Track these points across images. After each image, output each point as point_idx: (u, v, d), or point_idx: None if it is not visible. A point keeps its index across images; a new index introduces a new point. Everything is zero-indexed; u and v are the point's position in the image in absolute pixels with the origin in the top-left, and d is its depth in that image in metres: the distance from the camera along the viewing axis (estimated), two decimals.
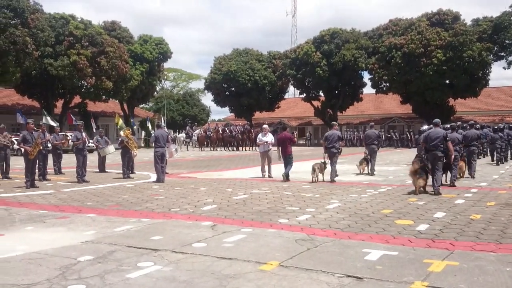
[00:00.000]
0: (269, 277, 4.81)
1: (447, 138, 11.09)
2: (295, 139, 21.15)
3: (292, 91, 70.90)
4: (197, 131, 42.31)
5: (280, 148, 14.19)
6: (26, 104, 43.83)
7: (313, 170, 13.48)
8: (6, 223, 7.82)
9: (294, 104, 65.09)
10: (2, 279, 4.75)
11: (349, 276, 4.85)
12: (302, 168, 15.36)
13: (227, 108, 58.59)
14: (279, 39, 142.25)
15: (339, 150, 14.05)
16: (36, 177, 13.58)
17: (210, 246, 6.10)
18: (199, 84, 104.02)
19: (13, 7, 32.36)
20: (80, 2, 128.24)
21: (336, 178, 13.70)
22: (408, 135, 44.21)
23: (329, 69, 46.28)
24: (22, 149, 13.29)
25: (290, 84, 54.66)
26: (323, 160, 13.81)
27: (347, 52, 45.25)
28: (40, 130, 14.79)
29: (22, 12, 32.98)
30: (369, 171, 15.72)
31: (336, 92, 49.89)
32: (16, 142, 17.02)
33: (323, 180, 13.59)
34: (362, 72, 48.83)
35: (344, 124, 52.67)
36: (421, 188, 10.91)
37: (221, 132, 38.67)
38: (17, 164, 17.03)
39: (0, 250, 5.97)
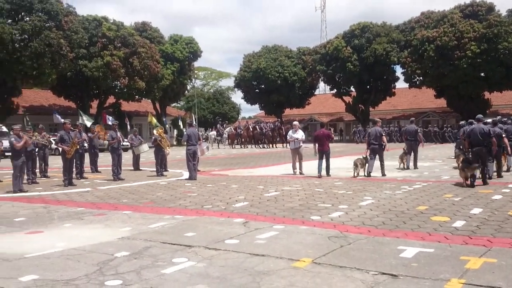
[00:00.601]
0: (302, 274, 4.81)
1: (491, 134, 11.10)
2: (333, 135, 21.09)
3: (322, 87, 70.42)
4: (227, 129, 42.53)
5: (317, 144, 14.20)
6: (62, 104, 45.08)
7: (355, 165, 13.80)
8: (45, 221, 8.07)
9: (324, 100, 64.59)
10: (42, 275, 4.91)
11: (384, 273, 4.79)
12: (334, 165, 15.21)
13: (257, 106, 58.69)
14: (309, 35, 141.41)
15: (383, 147, 14.24)
16: (74, 176, 13.95)
17: (242, 242, 6.14)
18: (229, 82, 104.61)
19: (47, 10, 33.29)
20: (112, 4, 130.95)
21: (371, 174, 13.72)
22: (443, 129, 43.19)
23: (360, 63, 45.69)
24: (60, 149, 13.68)
25: (320, 80, 54.23)
26: (364, 155, 14.11)
27: (379, 46, 44.56)
28: (77, 130, 15.20)
29: (56, 15, 33.89)
30: (406, 166, 15.83)
31: (368, 87, 49.22)
32: (54, 142, 17.52)
33: (365, 175, 13.74)
34: (394, 66, 47.99)
35: (370, 120, 51.92)
36: (468, 181, 10.87)
37: (251, 129, 38.74)
38: (55, 163, 17.55)
39: (40, 246, 6.18)
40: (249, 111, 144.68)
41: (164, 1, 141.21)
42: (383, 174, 13.86)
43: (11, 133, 12.59)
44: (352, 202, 9.15)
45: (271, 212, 8.29)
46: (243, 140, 38.87)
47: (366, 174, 13.71)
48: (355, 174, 13.73)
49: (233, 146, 38.62)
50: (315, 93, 59.59)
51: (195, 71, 59.72)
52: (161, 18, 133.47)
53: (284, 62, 52.29)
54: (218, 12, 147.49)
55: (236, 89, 59.81)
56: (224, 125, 47.01)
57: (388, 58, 44.61)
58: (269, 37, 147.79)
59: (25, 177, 13.15)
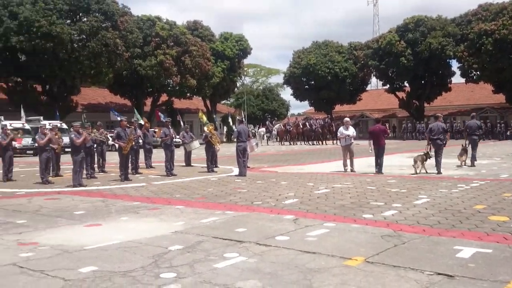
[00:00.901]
0: (354, 273, 4.75)
1: None
2: (389, 131, 20.73)
3: (374, 83, 69.01)
4: (277, 126, 42.57)
5: (372, 141, 14.00)
6: (118, 102, 46.72)
7: (415, 162, 13.55)
8: (104, 214, 8.41)
9: (377, 96, 63.23)
10: (101, 266, 5.12)
11: (439, 273, 4.65)
12: (387, 162, 14.89)
13: (306, 102, 58.38)
14: (360, 30, 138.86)
15: (444, 142, 13.93)
16: (129, 171, 14.43)
17: (293, 239, 6.14)
18: (278, 79, 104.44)
19: (104, 11, 34.54)
20: (165, 3, 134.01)
21: (424, 171, 13.36)
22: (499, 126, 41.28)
23: (414, 58, 44.39)
24: (117, 145, 14.18)
25: (372, 75, 53.18)
26: (426, 151, 13.81)
27: (434, 40, 43.09)
28: (132, 127, 15.70)
29: (112, 16, 35.10)
30: (463, 163, 15.38)
31: (422, 82, 47.77)
32: (111, 138, 18.19)
33: (426, 172, 13.50)
34: (450, 61, 46.32)
35: (432, 116, 50.22)
36: None
37: (301, 126, 38.57)
38: (112, 159, 18.23)
39: (98, 239, 6.45)
40: (299, 107, 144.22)
41: (215, 0, 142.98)
42: (439, 172, 13.44)
43: (71, 130, 13.19)
44: (406, 201, 8.92)
45: (322, 210, 8.22)
46: (292, 137, 38.76)
47: (437, 172, 13.39)
48: (416, 171, 13.43)
49: (282, 143, 38.59)
50: (367, 88, 58.47)
51: (245, 68, 60.14)
52: (212, 17, 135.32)
53: (334, 58, 51.64)
54: (268, 8, 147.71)
55: (285, 85, 59.75)
56: (273, 122, 47.12)
57: (443, 52, 43.09)
58: (320, 33, 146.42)
59: (84, 172, 13.72)
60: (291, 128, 39.05)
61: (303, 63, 52.33)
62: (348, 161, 14.90)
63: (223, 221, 7.50)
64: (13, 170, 14.72)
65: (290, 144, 37.75)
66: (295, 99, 57.35)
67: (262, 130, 42.81)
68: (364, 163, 16.83)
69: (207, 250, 5.69)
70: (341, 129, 15.28)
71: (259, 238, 6.20)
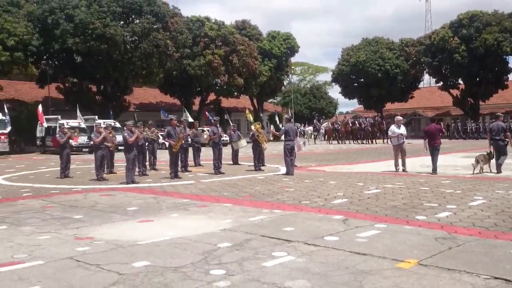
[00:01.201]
0: (407, 275, 4.62)
1: None
2: (444, 130, 20.11)
3: (427, 80, 66.91)
4: (324, 124, 42.16)
5: (427, 140, 13.64)
6: (168, 102, 47.79)
7: (477, 161, 13.16)
8: (155, 210, 8.62)
9: (429, 93, 61.28)
10: (153, 261, 5.25)
11: (496, 278, 4.45)
12: (441, 162, 14.38)
13: (355, 100, 57.37)
14: (412, 26, 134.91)
15: (506, 142, 13.43)
16: (179, 169, 14.73)
17: (342, 240, 6.05)
18: (326, 77, 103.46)
19: (155, 12, 35.40)
20: (215, 3, 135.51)
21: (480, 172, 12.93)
22: None
23: (469, 55, 42.69)
24: (167, 143, 14.50)
25: (425, 72, 51.58)
26: (488, 151, 13.46)
27: (489, 36, 41.25)
28: (182, 126, 16.01)
29: (163, 17, 35.92)
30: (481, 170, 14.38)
31: (477, 79, 45.86)
32: (161, 137, 18.62)
33: (490, 171, 13.16)
34: (507, 57, 44.20)
35: (487, 114, 48.14)
36: None
37: (350, 124, 38.01)
38: (163, 157, 18.65)
39: (150, 234, 6.62)
40: (347, 105, 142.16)
41: None
42: (499, 172, 12.95)
43: (124, 128, 13.61)
44: (461, 202, 8.59)
45: (372, 210, 8.06)
46: (340, 135, 38.27)
47: (497, 172, 12.97)
48: (480, 171, 13.04)
49: (330, 142, 38.19)
50: (419, 86, 56.79)
51: (292, 67, 59.92)
52: (260, 15, 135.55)
53: (385, 55, 50.50)
54: (317, 6, 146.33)
55: (333, 83, 58.98)
56: (321, 120, 46.67)
57: (500, 48, 41.18)
58: (369, 29, 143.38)
59: (137, 169, 14.14)
60: (340, 127, 38.56)
61: (352, 60, 51.50)
62: (400, 161, 14.54)
63: (271, 219, 7.50)
64: (70, 167, 15.36)
65: (339, 143, 37.29)
66: (343, 97, 56.52)
67: (310, 128, 42.52)
68: (417, 162, 16.37)
69: (256, 248, 5.71)
70: (393, 127, 14.91)
71: (307, 238, 6.16)
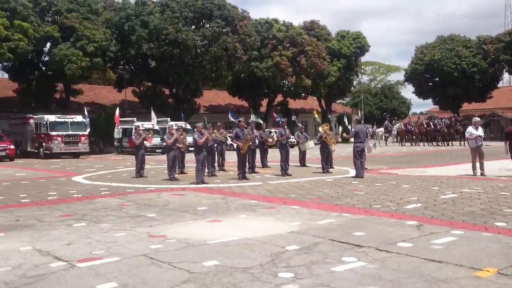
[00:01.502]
0: (485, 285, 4.35)
1: None
2: None
3: (506, 79, 62.93)
4: (396, 125, 40.87)
5: (508, 142, 12.84)
6: (236, 104, 48.54)
7: None
8: (224, 211, 8.76)
9: (510, 93, 57.57)
10: (222, 261, 5.32)
11: None
12: None
13: (429, 100, 55.18)
14: (490, 22, 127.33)
15: None
16: (247, 170, 14.88)
17: (416, 246, 5.81)
18: (398, 76, 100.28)
19: (225, 16, 36.10)
20: (283, 5, 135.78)
21: None
22: None
23: None
24: (235, 145, 14.71)
25: (504, 71, 48.49)
26: None
27: None
28: (249, 128, 16.17)
29: (232, 21, 36.54)
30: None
31: None
32: (230, 138, 18.92)
33: None
34: None
35: None
36: None
37: (424, 125, 36.56)
38: (231, 158, 18.94)
39: (219, 234, 6.72)
40: (421, 106, 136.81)
41: None
42: None
43: (195, 130, 13.97)
44: None
45: (448, 216, 7.67)
46: (414, 137, 36.90)
47: None
48: None
49: (403, 144, 36.94)
50: (498, 85, 53.49)
51: (362, 66, 58.70)
52: (329, 15, 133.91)
53: (461, 53, 48.07)
54: (388, 4, 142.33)
55: (406, 83, 57.10)
56: (393, 122, 45.32)
57: None
58: (444, 27, 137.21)
59: (206, 170, 14.45)
60: (413, 128, 37.18)
61: (426, 59, 49.52)
62: (478, 164, 13.75)
63: (340, 223, 7.36)
64: (145, 167, 16.00)
65: (412, 145, 35.99)
66: (417, 97, 54.54)
67: (381, 130, 41.38)
68: (496, 166, 15.41)
69: (324, 252, 5.61)
70: (470, 129, 14.13)
71: (379, 244, 5.97)
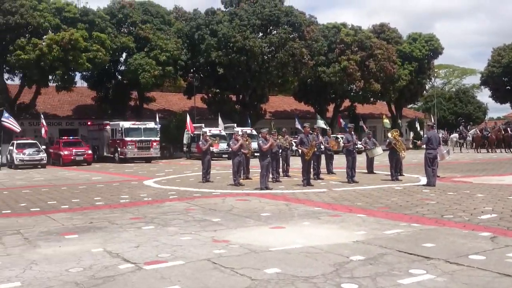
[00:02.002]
0: None
1: None
2: None
3: None
4: (472, 131, 38.77)
5: None
6: (302, 109, 48.36)
7: None
8: (287, 217, 8.71)
9: None
10: (284, 269, 5.28)
11: None
12: None
13: (507, 105, 51.98)
14: None
15: None
16: (311, 176, 14.74)
17: (490, 259, 5.46)
18: (474, 80, 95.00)
19: (292, 22, 36.17)
20: (352, 8, 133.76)
21: None
22: None
23: None
24: (300, 150, 14.63)
25: None
26: None
27: None
28: (315, 133, 16.02)
29: (299, 26, 36.52)
30: None
31: None
32: (294, 144, 18.84)
33: None
34: None
35: None
36: None
37: (502, 131, 34.41)
38: (295, 164, 18.87)
39: (282, 241, 6.69)
40: (498, 111, 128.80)
41: (404, 0, 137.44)
42: None
43: (260, 136, 14.06)
44: None
45: None
46: (491, 143, 34.82)
47: None
48: None
49: (478, 150, 34.98)
50: None
51: (435, 70, 56.33)
52: (401, 18, 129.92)
53: None
54: (463, 4, 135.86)
55: (482, 86, 54.25)
56: (468, 127, 43.11)
57: None
58: None
59: (270, 175, 14.48)
60: (490, 134, 35.11)
61: (504, 61, 46.73)
62: None
63: (408, 234, 7.08)
64: (211, 172, 16.34)
65: (488, 151, 33.99)
66: (494, 101, 51.61)
67: (455, 136, 39.46)
68: None
69: (391, 264, 5.41)
70: None
71: (449, 256, 5.67)
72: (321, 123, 29.55)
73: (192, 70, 38.62)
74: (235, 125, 33.88)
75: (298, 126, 30.33)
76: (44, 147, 28.69)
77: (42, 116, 30.04)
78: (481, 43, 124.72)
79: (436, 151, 13.46)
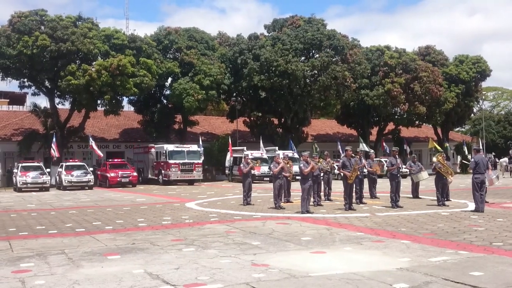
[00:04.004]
0: None
1: None
2: None
3: None
4: None
5: None
6: (345, 132, 47.87)
7: None
8: (328, 242, 8.56)
9: None
10: None
11: None
12: None
13: None
14: None
15: None
16: (354, 200, 14.46)
17: None
18: None
19: (334, 46, 36.19)
20: (396, 32, 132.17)
21: None
22: None
23: None
24: (342, 174, 14.43)
25: None
26: None
27: None
28: (357, 157, 15.78)
29: (342, 49, 36.48)
30: None
31: None
32: (336, 167, 18.63)
33: None
34: None
35: None
36: None
37: None
38: (337, 187, 18.59)
39: (322, 266, 6.56)
40: None
41: (451, 22, 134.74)
42: None
43: (301, 159, 13.99)
44: None
45: None
46: None
47: None
48: None
49: None
50: None
51: (483, 92, 54.58)
52: (447, 40, 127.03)
53: None
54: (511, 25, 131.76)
55: None
56: None
57: None
58: None
59: (312, 199, 14.32)
60: None
61: None
62: None
63: (455, 261, 6.78)
64: (252, 195, 16.33)
65: None
66: None
67: (504, 160, 37.86)
68: None
69: None
70: None
71: (498, 285, 5.40)
72: (363, 146, 29.07)
73: (234, 94, 39.19)
74: (277, 148, 33.89)
75: (340, 149, 29.98)
76: (91, 169, 29.69)
77: (91, 139, 31.12)
78: None
79: (483, 175, 12.93)
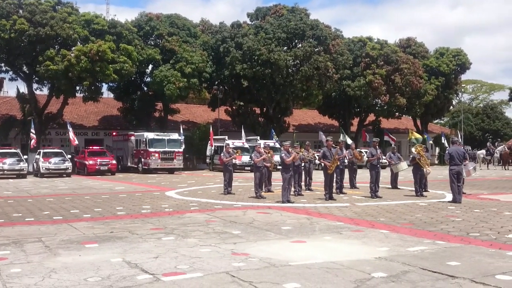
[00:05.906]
0: None
1: None
2: None
3: None
4: (499, 148, 37.86)
5: None
6: (326, 123, 48.11)
7: None
8: (308, 231, 8.59)
9: None
10: (304, 284, 5.18)
11: None
12: None
13: None
14: None
15: None
16: (334, 190, 14.56)
17: None
18: (502, 95, 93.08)
19: (317, 36, 36.15)
20: (379, 23, 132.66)
21: None
22: None
23: None
24: (322, 164, 14.49)
25: None
26: None
27: None
28: (338, 147, 15.85)
29: (324, 40, 36.47)
30: None
31: None
32: (317, 157, 18.69)
33: None
34: None
35: None
36: None
37: None
38: (318, 177, 18.70)
39: (302, 255, 6.59)
40: None
41: (433, 14, 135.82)
42: None
43: (282, 149, 14.00)
44: None
45: None
46: None
47: None
48: None
49: (506, 168, 34.10)
50: None
51: (462, 85, 55.41)
52: (429, 32, 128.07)
53: None
54: (494, 18, 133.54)
55: (511, 102, 52.95)
56: (496, 143, 42.12)
57: None
58: None
59: (292, 189, 14.36)
60: None
61: None
62: None
63: (432, 251, 6.88)
64: (233, 184, 16.29)
65: None
66: None
67: (482, 152, 38.62)
68: None
69: (414, 282, 5.26)
70: None
71: (475, 275, 5.49)
72: (344, 137, 29.24)
73: (216, 83, 38.90)
74: (258, 137, 33.88)
75: (322, 139, 30.11)
76: (69, 156, 29.21)
77: (69, 125, 30.58)
78: (510, 58, 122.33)
79: (459, 167, 13.12)
